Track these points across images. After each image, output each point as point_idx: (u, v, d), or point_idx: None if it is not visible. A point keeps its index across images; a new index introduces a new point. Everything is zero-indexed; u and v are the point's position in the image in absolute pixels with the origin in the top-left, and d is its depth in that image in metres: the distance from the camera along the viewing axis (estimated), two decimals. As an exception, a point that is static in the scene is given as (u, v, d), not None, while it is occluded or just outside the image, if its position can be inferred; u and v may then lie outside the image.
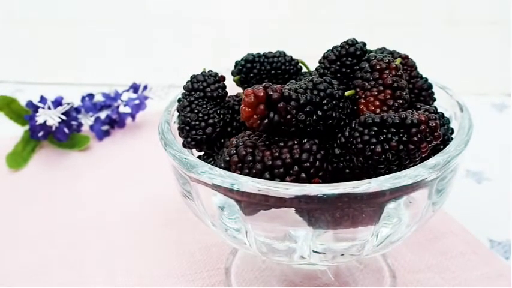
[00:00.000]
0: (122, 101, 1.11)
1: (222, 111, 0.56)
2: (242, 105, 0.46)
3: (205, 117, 0.54)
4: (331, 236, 0.49)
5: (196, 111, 0.55)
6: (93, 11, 1.45)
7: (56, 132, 1.01)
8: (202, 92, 0.56)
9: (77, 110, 1.09)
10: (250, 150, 0.46)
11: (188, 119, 0.54)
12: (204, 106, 0.55)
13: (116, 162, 1.01)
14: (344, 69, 0.54)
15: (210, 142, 0.55)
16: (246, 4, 1.43)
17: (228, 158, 0.47)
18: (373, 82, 0.51)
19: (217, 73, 0.58)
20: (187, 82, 0.57)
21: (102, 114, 1.10)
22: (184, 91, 0.57)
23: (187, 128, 0.54)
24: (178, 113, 0.57)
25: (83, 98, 1.11)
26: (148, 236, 0.79)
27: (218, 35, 1.42)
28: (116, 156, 1.03)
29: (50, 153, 1.03)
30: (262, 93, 0.45)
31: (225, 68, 0.63)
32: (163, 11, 1.44)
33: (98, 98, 1.13)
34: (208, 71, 0.58)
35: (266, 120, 0.45)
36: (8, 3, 1.47)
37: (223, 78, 0.58)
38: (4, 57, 1.48)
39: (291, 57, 0.62)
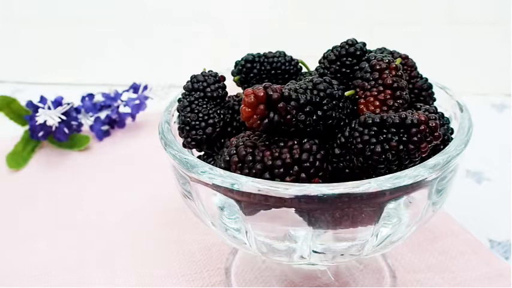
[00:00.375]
0: (122, 101, 1.11)
1: (222, 111, 0.56)
2: (242, 105, 0.46)
3: (205, 117, 0.54)
4: (331, 236, 0.49)
5: (196, 111, 0.54)
6: (93, 11, 1.45)
7: (56, 132, 1.01)
8: (202, 92, 0.56)
9: (77, 110, 1.09)
10: (250, 150, 0.46)
11: (188, 119, 0.54)
12: (204, 106, 0.55)
13: (116, 162, 1.01)
14: (344, 69, 0.54)
15: (210, 142, 0.55)
16: (246, 4, 1.43)
17: (228, 158, 0.47)
18: (373, 82, 0.51)
19: (217, 73, 0.58)
20: (187, 82, 0.57)
21: (102, 114, 1.10)
22: (184, 91, 0.57)
23: (187, 128, 0.54)
24: (178, 113, 0.57)
25: (83, 98, 1.11)
26: (148, 236, 0.79)
27: (218, 35, 1.42)
28: (116, 156, 1.03)
29: (50, 153, 1.03)
30: (262, 93, 0.45)
31: (225, 68, 0.63)
32: (163, 11, 1.44)
33: (98, 98, 1.13)
34: (208, 71, 0.58)
35: (266, 120, 0.45)
36: (8, 3, 1.47)
37: (223, 78, 0.58)
38: (4, 57, 1.48)
39: (291, 57, 0.62)
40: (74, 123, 1.05)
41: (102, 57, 1.45)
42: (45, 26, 1.47)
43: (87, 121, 1.10)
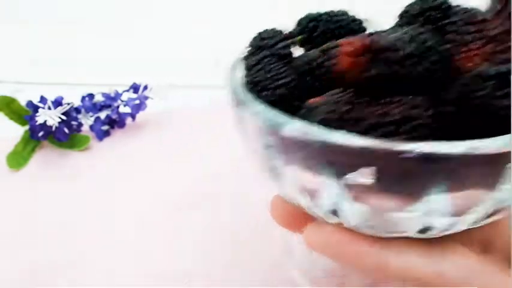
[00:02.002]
0: (122, 101, 1.10)
1: (291, 71, 0.49)
2: (341, 55, 0.39)
3: (278, 76, 0.47)
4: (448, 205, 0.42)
5: (266, 70, 0.47)
6: (93, 11, 1.45)
7: (56, 132, 0.99)
8: (269, 50, 0.49)
9: (77, 110, 1.08)
10: (351, 106, 0.39)
11: (258, 79, 0.47)
12: (274, 65, 0.48)
13: (116, 162, 0.99)
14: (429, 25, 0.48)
15: (285, 102, 0.48)
16: (246, 4, 1.42)
17: (325, 116, 0.40)
18: (474, 36, 0.44)
19: (281, 31, 0.52)
20: (253, 39, 0.51)
21: (102, 114, 1.08)
22: (250, 48, 0.51)
23: (259, 88, 0.47)
24: (244, 73, 0.49)
25: (83, 98, 1.09)
26: (148, 236, 0.77)
27: (218, 35, 1.39)
28: (116, 156, 1.02)
29: (50, 153, 1.01)
30: (366, 42, 0.38)
31: (282, 27, 0.56)
32: (164, 10, 1.44)
33: (98, 98, 1.12)
34: (272, 29, 0.52)
35: (372, 71, 0.38)
36: (8, 3, 1.47)
37: (289, 36, 0.52)
38: (4, 57, 1.46)
39: (354, 16, 0.56)
40: (74, 123, 1.03)
41: (102, 57, 1.43)
42: (45, 26, 1.46)
43: (87, 121, 1.09)
